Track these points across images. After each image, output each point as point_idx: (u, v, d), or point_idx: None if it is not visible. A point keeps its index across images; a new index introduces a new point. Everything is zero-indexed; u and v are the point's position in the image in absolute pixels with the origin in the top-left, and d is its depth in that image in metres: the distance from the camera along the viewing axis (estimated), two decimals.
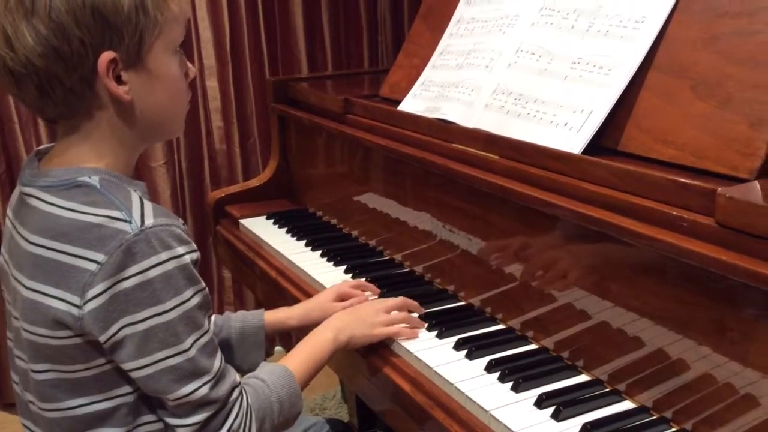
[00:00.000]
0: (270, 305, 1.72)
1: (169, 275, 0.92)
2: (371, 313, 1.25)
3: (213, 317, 1.27)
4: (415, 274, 1.54)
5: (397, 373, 1.21)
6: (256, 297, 1.89)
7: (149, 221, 0.92)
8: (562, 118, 1.22)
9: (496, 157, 1.28)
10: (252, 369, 1.24)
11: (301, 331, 1.35)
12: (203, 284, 0.97)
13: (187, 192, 2.49)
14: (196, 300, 0.95)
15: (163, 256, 0.92)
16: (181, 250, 0.93)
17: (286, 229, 1.81)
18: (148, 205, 0.95)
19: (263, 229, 1.83)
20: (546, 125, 1.24)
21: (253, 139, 2.54)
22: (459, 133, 1.39)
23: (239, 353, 1.28)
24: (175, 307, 0.93)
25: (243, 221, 1.89)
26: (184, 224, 0.97)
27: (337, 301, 1.37)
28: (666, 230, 0.98)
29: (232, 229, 1.91)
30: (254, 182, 2.04)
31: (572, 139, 1.19)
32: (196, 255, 0.96)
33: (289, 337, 2.71)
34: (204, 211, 2.45)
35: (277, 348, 2.78)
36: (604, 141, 1.18)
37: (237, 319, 1.31)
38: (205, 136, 2.49)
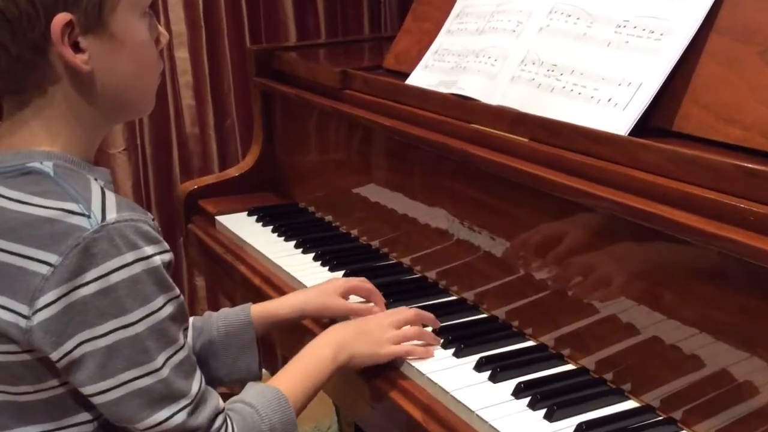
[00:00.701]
0: None
1: (135, 280, 0.92)
2: (378, 328, 1.25)
3: (191, 320, 1.28)
4: (427, 281, 1.55)
5: (407, 398, 1.20)
6: None
7: (112, 215, 0.92)
8: (605, 93, 1.22)
9: (525, 139, 1.28)
10: (248, 377, 1.27)
11: (295, 326, 1.36)
12: (177, 291, 0.98)
13: (152, 184, 2.49)
14: (168, 310, 0.96)
15: (129, 257, 0.92)
16: (149, 250, 0.94)
17: (272, 227, 1.82)
18: (111, 197, 0.95)
19: (244, 227, 1.83)
20: (585, 101, 1.24)
21: (231, 120, 2.55)
22: (480, 112, 1.39)
23: (227, 358, 1.28)
24: (143, 318, 0.93)
25: (220, 218, 1.89)
26: (153, 219, 0.98)
27: (344, 298, 1.36)
28: (730, 225, 0.99)
29: (207, 228, 1.91)
30: (233, 172, 2.04)
31: (617, 118, 1.19)
32: (168, 256, 0.97)
33: (275, 357, 2.69)
34: (173, 206, 2.44)
35: None
36: (655, 120, 1.18)
37: (219, 318, 1.31)
38: (174, 117, 2.49)
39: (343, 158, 1.77)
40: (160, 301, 0.95)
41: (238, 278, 1.71)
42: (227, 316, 1.31)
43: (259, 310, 1.33)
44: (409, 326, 1.29)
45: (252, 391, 1.09)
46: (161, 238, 0.96)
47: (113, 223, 0.92)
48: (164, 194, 2.51)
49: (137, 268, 0.93)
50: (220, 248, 1.82)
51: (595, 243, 1.18)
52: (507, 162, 1.27)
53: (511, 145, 1.29)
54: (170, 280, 0.97)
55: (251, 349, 1.29)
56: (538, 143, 1.25)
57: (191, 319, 1.28)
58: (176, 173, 2.50)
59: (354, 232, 1.76)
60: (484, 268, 1.40)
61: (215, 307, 2.59)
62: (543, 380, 1.19)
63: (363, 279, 1.43)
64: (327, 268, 1.61)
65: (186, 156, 2.51)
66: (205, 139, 2.52)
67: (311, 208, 1.92)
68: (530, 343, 1.30)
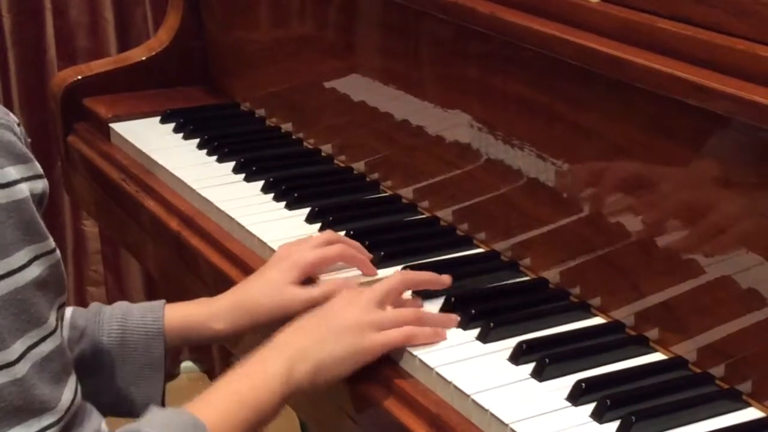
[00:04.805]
0: (171, 285, 1.76)
1: None
2: (349, 309, 1.26)
3: (69, 312, 1.29)
4: (439, 225, 1.55)
5: (406, 406, 1.22)
6: (146, 270, 1.96)
7: None
8: None
9: (595, 0, 1.27)
10: (143, 410, 1.24)
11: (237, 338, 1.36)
12: (51, 243, 0.99)
13: (13, 72, 2.50)
14: (35, 271, 0.97)
15: None
16: (13, 172, 0.95)
17: (198, 140, 1.83)
18: None
19: (155, 140, 1.84)
20: None
21: None
22: None
23: (118, 379, 1.30)
24: None
25: (117, 126, 1.90)
26: (19, 125, 0.98)
27: (301, 283, 1.36)
28: None
29: (97, 142, 1.92)
30: (138, 54, 2.04)
31: None
32: (41, 185, 0.98)
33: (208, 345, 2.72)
34: (45, 107, 2.43)
35: (186, 364, 2.79)
36: None
37: (114, 317, 1.32)
38: None
39: (310, 33, 1.77)
40: (22, 255, 0.95)
41: (146, 220, 1.70)
42: (127, 316, 1.32)
43: (178, 318, 1.34)
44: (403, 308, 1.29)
45: (156, 418, 1.09)
46: (32, 156, 0.97)
47: None
48: (30, 89, 2.51)
49: None
50: (117, 173, 1.81)
51: (703, 167, 1.18)
52: (565, 36, 1.28)
53: (573, 10, 1.29)
54: (42, 225, 0.97)
55: (156, 371, 1.31)
56: (613, 5, 1.25)
57: (69, 311, 1.29)
58: (51, 56, 2.50)
59: (326, 149, 1.77)
60: (528, 204, 1.40)
61: (114, 268, 2.64)
62: (616, 378, 1.20)
63: (330, 235, 1.42)
64: (283, 203, 1.61)
65: (66, 28, 2.51)
66: (95, 2, 2.49)
67: (259, 112, 1.92)
68: (597, 321, 1.32)
